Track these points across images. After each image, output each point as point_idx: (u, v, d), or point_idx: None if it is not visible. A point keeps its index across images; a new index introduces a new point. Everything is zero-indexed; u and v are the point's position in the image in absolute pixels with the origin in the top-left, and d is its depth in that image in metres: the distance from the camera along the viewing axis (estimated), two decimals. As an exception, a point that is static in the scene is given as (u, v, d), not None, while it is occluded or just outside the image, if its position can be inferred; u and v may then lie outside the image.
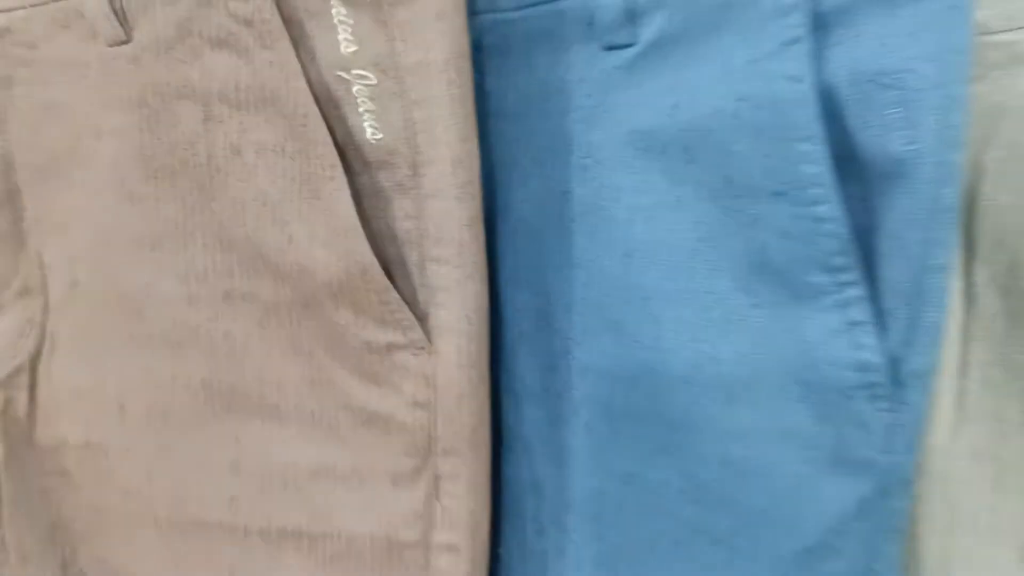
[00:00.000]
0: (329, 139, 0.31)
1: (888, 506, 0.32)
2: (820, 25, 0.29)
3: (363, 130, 0.31)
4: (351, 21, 0.30)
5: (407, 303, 0.32)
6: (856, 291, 0.30)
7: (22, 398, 0.38)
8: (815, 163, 0.29)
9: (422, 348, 0.32)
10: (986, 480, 0.36)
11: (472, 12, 0.32)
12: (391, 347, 0.33)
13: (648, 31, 0.30)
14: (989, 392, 0.35)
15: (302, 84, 0.31)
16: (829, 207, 0.29)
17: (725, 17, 0.29)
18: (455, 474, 0.33)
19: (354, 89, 0.31)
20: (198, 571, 0.37)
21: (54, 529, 0.40)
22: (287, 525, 0.36)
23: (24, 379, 0.38)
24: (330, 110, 0.31)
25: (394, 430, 0.34)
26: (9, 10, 0.34)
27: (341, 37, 0.31)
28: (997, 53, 0.32)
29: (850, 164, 0.29)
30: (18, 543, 0.40)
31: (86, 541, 0.40)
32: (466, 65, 0.30)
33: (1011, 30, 0.32)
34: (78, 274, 0.36)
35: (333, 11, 0.30)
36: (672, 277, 0.32)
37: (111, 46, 0.33)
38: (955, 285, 0.35)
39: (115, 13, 0.32)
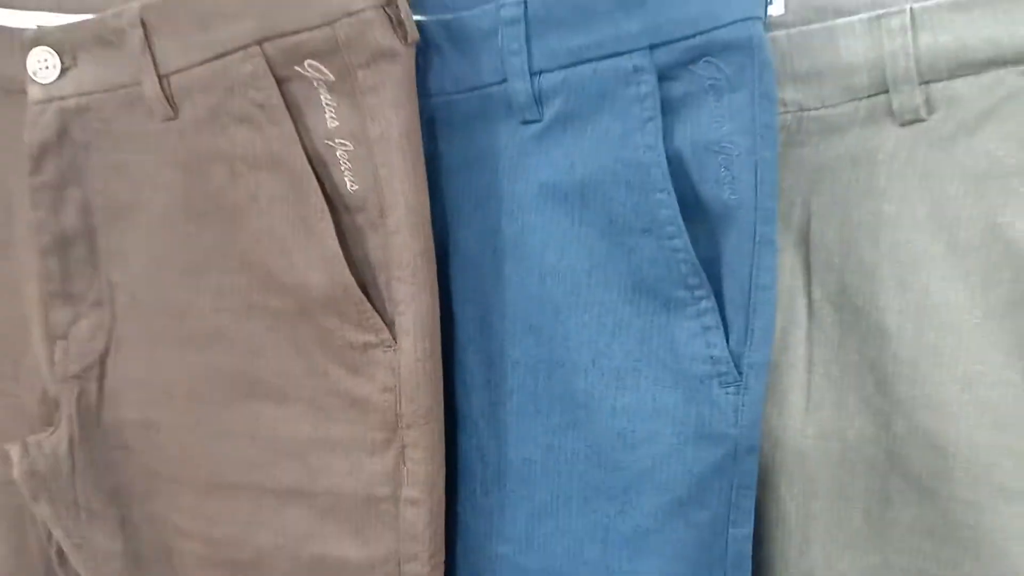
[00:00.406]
0: (319, 191, 0.42)
1: (739, 468, 0.42)
2: (669, 109, 0.39)
3: (344, 183, 0.42)
4: (334, 104, 0.42)
5: (378, 312, 0.43)
6: (707, 303, 0.41)
7: (93, 388, 0.50)
8: (668, 208, 0.39)
9: (390, 346, 0.43)
10: (833, 454, 0.46)
11: (425, 95, 0.43)
12: (367, 345, 0.43)
13: (550, 111, 0.41)
14: (830, 385, 0.45)
15: (299, 150, 0.42)
16: (681, 240, 0.40)
17: (603, 102, 0.40)
18: (416, 443, 0.44)
19: (337, 153, 0.42)
20: (225, 522, 0.48)
21: (115, 492, 0.51)
22: (291, 485, 0.47)
23: (95, 372, 0.50)
24: (320, 168, 0.42)
25: (370, 409, 0.44)
26: (90, 93, 0.46)
27: (327, 116, 0.42)
28: (815, 125, 0.42)
29: (696, 209, 0.40)
30: (87, 503, 0.51)
31: (140, 501, 0.51)
32: (416, 137, 0.41)
33: (823, 107, 0.42)
34: (137, 291, 0.48)
35: (321, 97, 0.42)
36: (575, 293, 0.42)
37: (163, 122, 0.45)
38: (800, 302, 0.45)
39: (166, 98, 0.44)
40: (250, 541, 0.48)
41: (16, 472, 0.50)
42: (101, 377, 0.50)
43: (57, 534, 0.51)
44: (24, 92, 0.46)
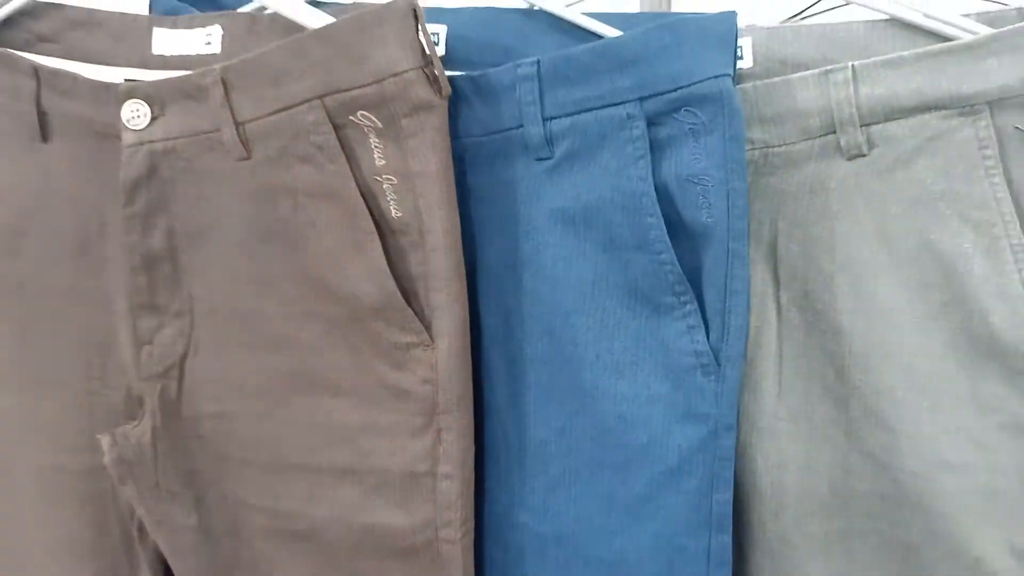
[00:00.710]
0: (369, 217, 0.51)
1: (719, 443, 0.50)
2: (656, 148, 0.48)
3: (390, 211, 0.51)
4: (381, 146, 0.50)
5: (418, 317, 0.51)
6: (691, 307, 0.49)
7: (173, 385, 0.58)
8: (657, 229, 0.48)
9: (428, 345, 0.52)
10: (801, 434, 0.54)
11: (456, 137, 0.52)
12: (409, 345, 0.52)
13: (559, 150, 0.50)
14: (797, 375, 0.54)
15: (352, 184, 0.51)
16: (668, 255, 0.48)
17: (603, 143, 0.49)
18: (450, 427, 0.52)
19: (384, 186, 0.51)
20: (288, 498, 0.57)
21: (191, 475, 0.60)
22: (345, 465, 0.55)
23: (175, 372, 0.58)
24: (370, 199, 0.51)
25: (411, 399, 0.53)
26: (175, 137, 0.54)
27: (376, 155, 0.51)
28: (778, 159, 0.51)
29: (680, 229, 0.49)
30: (167, 485, 0.60)
31: (213, 482, 0.59)
32: (449, 173, 0.50)
33: (784, 145, 0.51)
34: (213, 303, 0.56)
35: (371, 141, 0.51)
36: (581, 300, 0.51)
37: (237, 161, 0.53)
38: (770, 305, 0.54)
39: (241, 142, 0.53)
40: (309, 514, 0.57)
41: (106, 459, 0.58)
42: (180, 376, 0.58)
43: (140, 512, 0.60)
44: (118, 137, 0.55)
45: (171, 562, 0.61)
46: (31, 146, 0.58)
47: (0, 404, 0.62)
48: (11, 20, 0.60)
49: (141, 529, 0.61)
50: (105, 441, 0.58)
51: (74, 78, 0.56)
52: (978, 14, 0.50)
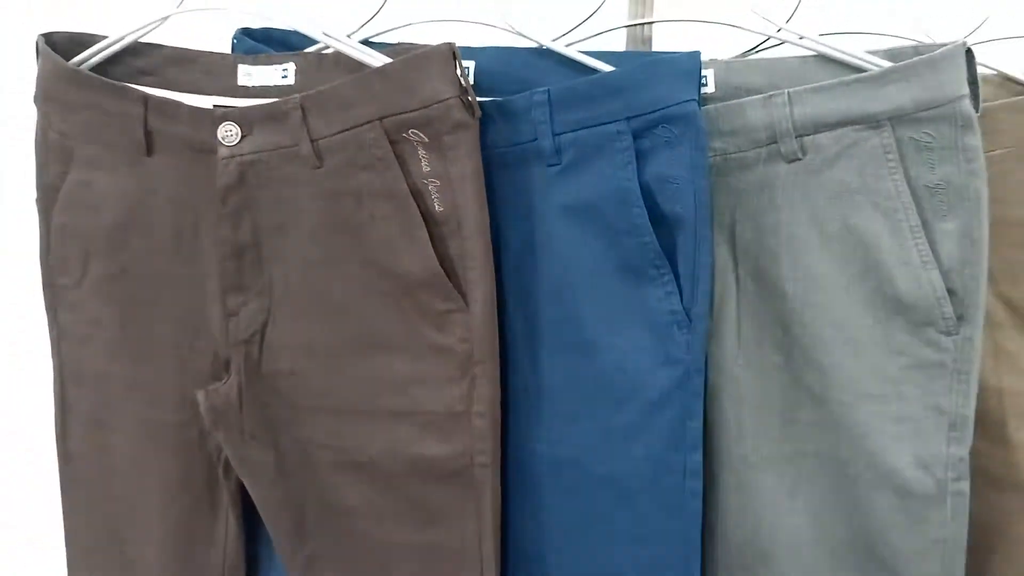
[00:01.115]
0: (417, 212, 0.65)
1: (691, 382, 0.65)
2: (640, 156, 0.63)
3: (434, 206, 0.66)
4: (427, 156, 0.65)
5: (457, 289, 0.66)
6: (668, 277, 0.64)
7: (255, 350, 0.73)
8: (641, 218, 0.63)
9: (464, 311, 0.66)
10: (756, 376, 0.69)
11: (485, 148, 0.66)
12: (449, 311, 0.66)
13: (566, 158, 0.65)
14: (753, 330, 0.69)
15: (404, 186, 0.65)
16: (650, 238, 0.63)
17: (599, 152, 0.64)
18: (482, 375, 0.67)
19: (429, 187, 0.66)
20: (351, 436, 0.70)
21: (269, 421, 0.73)
22: (397, 408, 0.69)
23: (257, 339, 0.72)
24: (418, 197, 0.66)
25: (451, 354, 0.67)
26: (261, 151, 0.69)
27: (423, 163, 0.65)
28: (734, 163, 0.66)
29: (659, 218, 0.63)
30: (249, 430, 0.73)
31: (287, 427, 0.73)
32: (480, 176, 0.64)
33: (739, 152, 0.66)
34: (289, 283, 0.70)
35: (419, 152, 0.65)
36: (583, 274, 0.66)
37: (311, 170, 0.68)
38: (730, 277, 0.69)
39: (315, 154, 0.67)
40: (367, 449, 0.71)
41: (202, 409, 0.72)
42: (261, 342, 0.72)
43: (227, 453, 0.74)
44: (212, 151, 0.69)
45: (252, 492, 0.75)
46: (138, 159, 0.71)
47: (110, 370, 0.75)
48: (116, 57, 0.74)
49: (226, 467, 0.75)
50: (201, 396, 0.72)
51: (176, 104, 0.70)
52: (883, 50, 0.65)
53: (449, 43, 0.64)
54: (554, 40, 0.70)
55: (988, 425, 0.71)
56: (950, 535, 0.66)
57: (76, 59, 0.72)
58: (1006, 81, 0.71)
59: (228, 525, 0.78)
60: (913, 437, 0.66)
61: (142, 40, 0.73)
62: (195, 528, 0.78)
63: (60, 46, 0.73)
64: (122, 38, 0.72)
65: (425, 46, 0.67)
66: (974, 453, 0.67)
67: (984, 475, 0.70)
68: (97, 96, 0.71)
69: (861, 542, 0.68)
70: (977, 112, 0.61)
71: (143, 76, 0.74)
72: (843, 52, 0.65)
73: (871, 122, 0.63)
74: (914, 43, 0.66)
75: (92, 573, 0.82)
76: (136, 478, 0.77)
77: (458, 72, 0.63)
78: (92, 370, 0.77)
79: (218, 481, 0.77)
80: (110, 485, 0.78)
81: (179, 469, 0.77)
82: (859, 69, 0.65)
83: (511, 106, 0.67)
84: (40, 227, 0.76)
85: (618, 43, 0.77)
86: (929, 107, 0.61)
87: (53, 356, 0.78)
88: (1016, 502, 0.72)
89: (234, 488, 0.76)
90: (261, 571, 0.82)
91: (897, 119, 0.62)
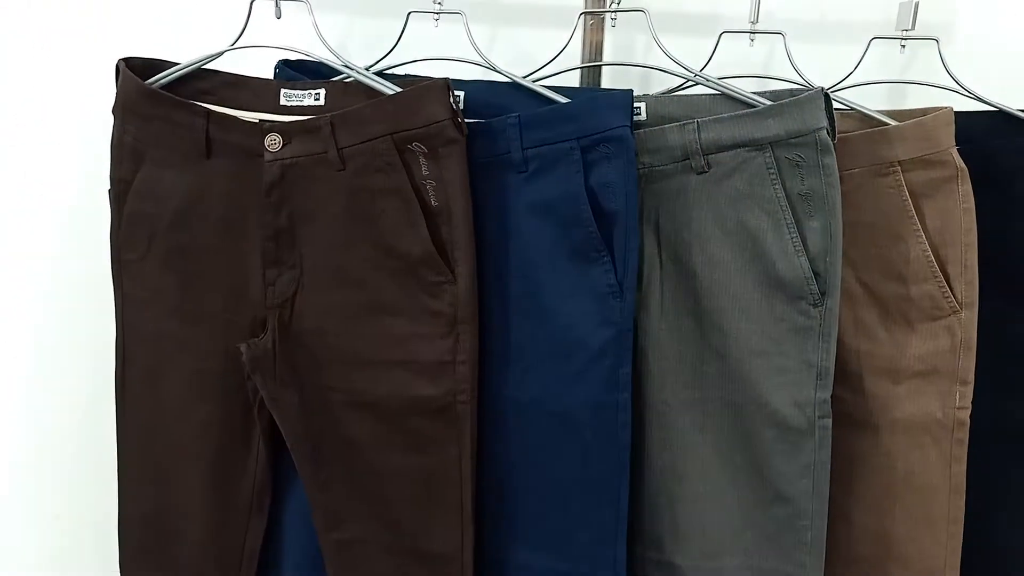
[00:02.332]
0: (418, 205, 0.85)
1: (623, 339, 0.85)
2: (586, 167, 0.83)
3: (431, 201, 0.85)
4: (426, 163, 0.85)
5: (446, 266, 0.85)
6: (607, 259, 0.84)
7: (287, 312, 0.90)
8: (586, 214, 0.83)
9: (452, 282, 0.85)
10: (674, 337, 0.89)
11: (471, 158, 0.86)
12: (440, 283, 0.85)
13: (531, 167, 0.85)
14: (672, 301, 0.89)
15: (408, 186, 0.85)
16: (593, 229, 0.83)
17: (556, 163, 0.84)
18: (465, 332, 0.86)
19: (427, 186, 0.86)
20: (361, 381, 0.87)
21: (296, 369, 0.90)
22: (399, 359, 0.88)
23: (288, 304, 0.90)
24: (419, 194, 0.85)
25: (441, 317, 0.86)
26: (298, 156, 0.88)
27: (423, 168, 0.85)
28: (657, 174, 0.87)
29: (599, 213, 0.84)
30: (281, 376, 0.89)
31: (310, 373, 0.90)
32: (467, 180, 0.84)
33: (661, 166, 0.87)
34: (316, 259, 0.89)
35: (420, 159, 0.85)
36: (544, 256, 0.86)
37: (336, 171, 0.88)
38: (655, 261, 0.89)
39: (341, 159, 0.87)
40: (374, 391, 0.88)
41: (244, 358, 0.89)
42: (292, 306, 0.90)
43: (263, 394, 0.90)
44: (260, 156, 0.88)
45: (281, 426, 0.92)
46: (199, 161, 0.89)
47: (166, 328, 0.92)
48: (182, 80, 0.92)
49: (261, 406, 0.92)
50: (244, 348, 0.89)
51: (232, 118, 0.89)
52: (768, 91, 0.87)
53: (445, 78, 0.84)
54: (524, 77, 0.91)
55: (849, 378, 0.92)
56: (818, 460, 0.87)
57: (151, 80, 0.91)
58: (864, 117, 0.93)
59: (259, 457, 0.95)
60: (790, 385, 0.86)
61: (204, 67, 0.93)
62: (232, 459, 0.95)
63: (137, 69, 0.92)
64: (189, 65, 0.91)
65: (427, 78, 0.88)
66: (838, 400, 0.88)
67: (846, 417, 0.91)
68: (168, 110, 0.89)
69: (753, 466, 0.88)
70: (833, 140, 0.82)
71: (204, 95, 0.92)
72: (739, 92, 0.86)
73: (757, 145, 0.84)
74: (790, 87, 0.87)
75: (140, 501, 0.98)
76: (184, 417, 0.94)
77: (451, 100, 0.84)
78: (151, 329, 0.94)
79: (252, 421, 0.93)
80: (160, 425, 0.95)
81: (221, 410, 0.94)
82: (750, 105, 0.86)
83: (491, 127, 0.87)
84: (112, 212, 0.93)
85: (573, 80, 0.98)
86: (797, 135, 0.82)
87: (116, 318, 0.95)
88: (870, 437, 0.93)
89: (265, 427, 0.93)
90: (284, 496, 0.99)
91: (776, 143, 0.84)
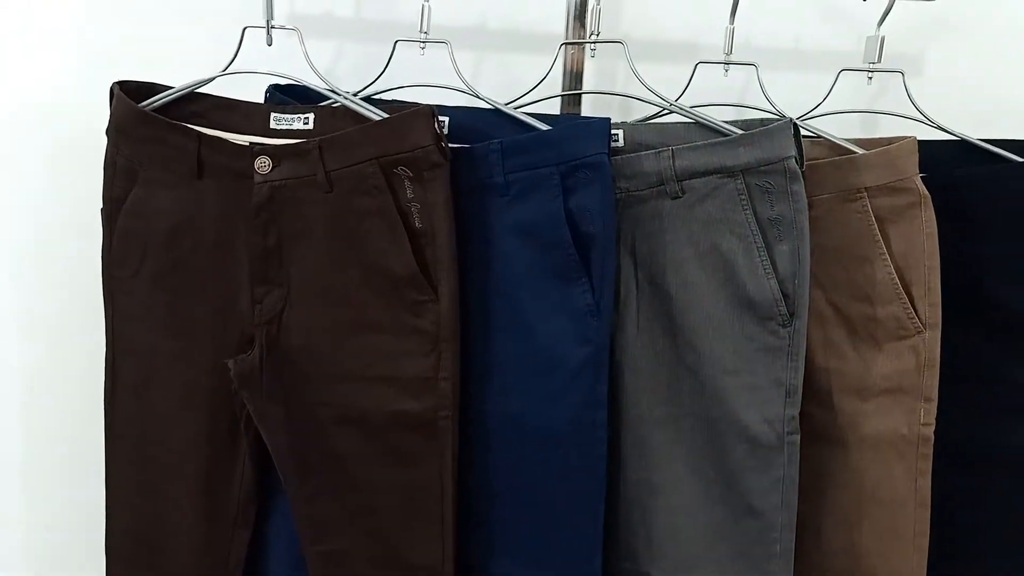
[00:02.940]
0: (403, 227, 0.87)
1: (600, 357, 0.88)
2: (565, 191, 0.86)
3: (415, 223, 0.88)
4: (411, 186, 0.88)
5: (430, 285, 0.88)
6: (585, 280, 0.88)
7: (274, 328, 0.93)
8: (566, 237, 0.86)
9: (435, 301, 0.88)
10: (651, 355, 0.92)
11: (454, 182, 0.89)
12: (424, 302, 0.88)
13: (513, 191, 0.89)
14: (648, 321, 0.92)
15: (394, 208, 0.87)
16: (572, 250, 0.87)
17: (537, 188, 0.87)
18: (447, 349, 0.88)
19: (412, 208, 0.89)
20: (347, 396, 0.90)
21: (283, 385, 0.93)
22: (384, 375, 0.90)
23: (276, 320, 0.92)
24: (404, 216, 0.88)
25: (425, 334, 0.89)
26: (287, 179, 0.90)
27: (408, 191, 0.88)
28: (634, 199, 0.90)
29: (578, 236, 0.87)
30: (267, 390, 0.92)
31: (297, 388, 0.92)
32: (450, 203, 0.86)
33: (638, 191, 0.91)
34: (303, 278, 0.91)
35: (405, 183, 0.88)
36: (524, 277, 0.89)
37: (324, 193, 0.90)
38: (632, 282, 0.92)
39: (328, 182, 0.90)
40: (359, 406, 0.91)
41: (232, 373, 0.92)
42: (279, 322, 0.92)
43: (250, 408, 0.92)
44: (250, 177, 0.90)
45: (267, 441, 0.94)
46: (190, 181, 0.91)
47: (157, 343, 0.94)
48: (175, 103, 0.95)
49: (248, 421, 0.94)
50: (231, 363, 0.91)
51: (223, 141, 0.92)
52: (740, 121, 0.91)
53: (430, 105, 0.87)
54: (507, 104, 0.95)
55: (819, 395, 0.96)
56: (787, 474, 0.90)
57: (145, 103, 0.94)
58: (833, 145, 0.97)
59: (245, 469, 0.97)
60: (761, 402, 0.90)
61: (196, 90, 0.96)
62: (218, 472, 0.97)
63: (131, 92, 0.94)
64: (182, 89, 0.94)
65: (413, 104, 0.91)
66: (808, 416, 0.92)
67: (816, 433, 0.95)
68: (160, 132, 0.92)
69: (724, 480, 0.92)
70: (802, 168, 0.86)
71: (196, 118, 0.94)
72: (711, 121, 0.90)
73: (729, 173, 0.88)
74: (762, 116, 0.91)
75: (127, 512, 1.00)
76: (171, 431, 0.96)
77: (436, 126, 0.87)
78: (141, 343, 0.96)
79: (239, 434, 0.96)
80: (149, 438, 0.97)
81: (208, 423, 0.96)
82: (722, 134, 0.90)
83: (474, 152, 0.90)
84: (104, 230, 0.95)
85: (555, 107, 1.02)
86: (767, 163, 0.86)
87: (107, 333, 0.97)
88: (839, 453, 0.96)
89: (251, 440, 0.95)
90: (270, 508, 1.01)
91: (746, 171, 0.87)
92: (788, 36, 1.14)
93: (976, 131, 0.99)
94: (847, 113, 1.00)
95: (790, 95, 0.95)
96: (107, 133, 0.95)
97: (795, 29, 1.14)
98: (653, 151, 0.90)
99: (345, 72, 1.06)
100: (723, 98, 0.99)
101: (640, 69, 0.94)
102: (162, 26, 1.13)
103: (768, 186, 0.86)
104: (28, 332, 1.22)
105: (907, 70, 0.99)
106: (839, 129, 0.97)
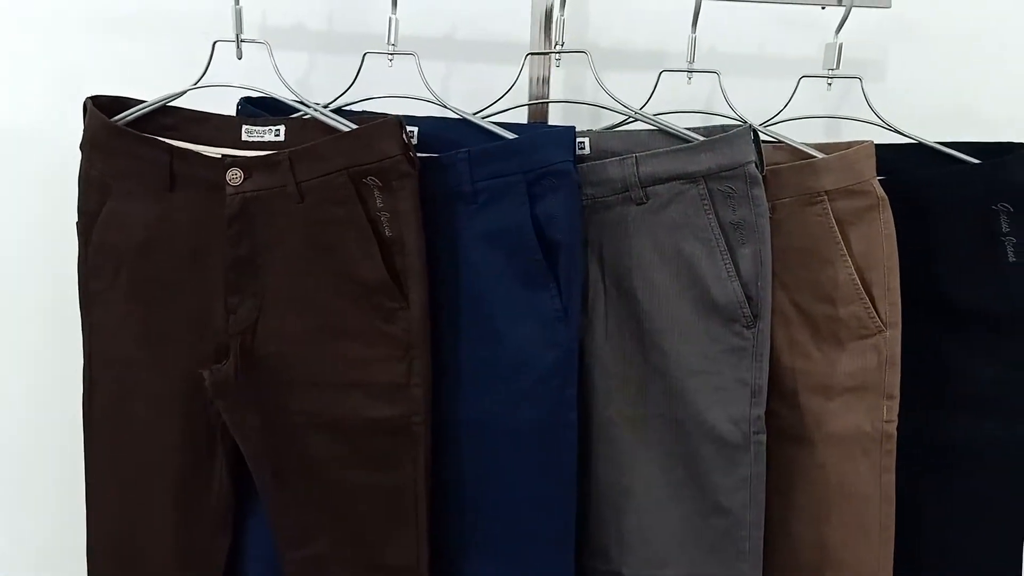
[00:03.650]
0: (373, 236, 0.89)
1: (569, 361, 0.90)
2: (532, 198, 0.88)
3: (385, 232, 0.90)
4: (380, 196, 0.89)
5: (400, 293, 0.90)
6: (553, 285, 0.89)
7: (249, 338, 0.94)
8: (533, 243, 0.88)
9: (406, 309, 0.90)
10: (618, 358, 0.94)
11: (423, 191, 0.91)
12: (395, 309, 0.90)
13: (481, 199, 0.90)
14: (615, 325, 0.94)
15: (364, 218, 0.89)
16: (539, 257, 0.88)
17: (504, 196, 0.89)
18: (418, 356, 0.90)
19: (382, 217, 0.90)
20: (320, 403, 0.92)
21: (258, 393, 0.94)
22: (356, 381, 0.91)
23: (250, 329, 0.94)
24: (374, 225, 0.89)
25: (396, 341, 0.90)
26: (259, 190, 0.92)
27: (378, 201, 0.89)
28: (600, 205, 0.92)
29: (545, 243, 0.89)
30: (243, 400, 0.95)
31: (271, 396, 0.93)
32: (419, 211, 0.88)
33: (604, 197, 0.93)
34: (276, 287, 0.93)
35: (375, 192, 0.89)
36: (493, 283, 0.91)
37: (295, 204, 0.92)
38: (599, 286, 0.95)
39: (299, 193, 0.91)
40: (333, 412, 0.92)
41: (207, 383, 0.93)
42: (253, 332, 0.93)
43: (225, 417, 0.94)
44: (222, 189, 0.92)
45: (243, 448, 0.95)
46: (163, 194, 0.92)
47: (133, 354, 0.95)
48: (147, 116, 0.96)
49: (223, 430, 0.95)
50: (206, 373, 0.93)
51: (195, 154, 0.93)
52: (701, 127, 0.93)
53: (398, 116, 0.89)
54: (475, 113, 0.97)
55: (785, 395, 0.98)
56: (754, 473, 0.92)
57: (117, 117, 0.95)
58: (794, 150, 0.99)
59: (221, 478, 0.98)
60: (727, 402, 0.92)
61: (168, 104, 0.97)
62: (196, 480, 0.98)
63: (103, 106, 0.95)
64: (154, 103, 0.96)
65: (382, 115, 0.92)
66: (775, 415, 0.94)
67: (783, 432, 0.97)
68: (133, 145, 0.93)
69: (693, 479, 0.94)
70: (762, 172, 0.89)
71: (168, 131, 0.96)
72: (674, 129, 0.92)
73: (691, 178, 0.90)
74: (724, 123, 0.93)
75: (107, 521, 1.01)
76: (149, 441, 0.97)
77: (404, 136, 0.89)
78: (117, 354, 0.97)
79: (215, 443, 0.97)
80: (127, 446, 0.98)
81: (185, 432, 0.97)
82: (685, 140, 0.92)
83: (442, 161, 0.92)
84: (79, 243, 0.96)
85: (522, 116, 1.04)
86: (728, 169, 0.88)
87: (84, 344, 0.98)
88: (806, 450, 0.98)
89: (227, 449, 0.96)
90: (248, 515, 1.02)
91: (708, 176, 0.90)
92: (752, 44, 1.16)
93: (935, 134, 1.01)
94: (808, 119, 1.02)
95: (754, 101, 0.98)
96: (81, 148, 0.96)
97: (759, 37, 1.17)
98: (618, 158, 0.92)
99: (316, 84, 1.07)
100: (690, 105, 1.01)
101: (608, 77, 0.96)
102: (133, 42, 1.15)
103: (730, 191, 0.88)
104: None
105: (867, 76, 1.02)
106: (805, 134, 0.99)
